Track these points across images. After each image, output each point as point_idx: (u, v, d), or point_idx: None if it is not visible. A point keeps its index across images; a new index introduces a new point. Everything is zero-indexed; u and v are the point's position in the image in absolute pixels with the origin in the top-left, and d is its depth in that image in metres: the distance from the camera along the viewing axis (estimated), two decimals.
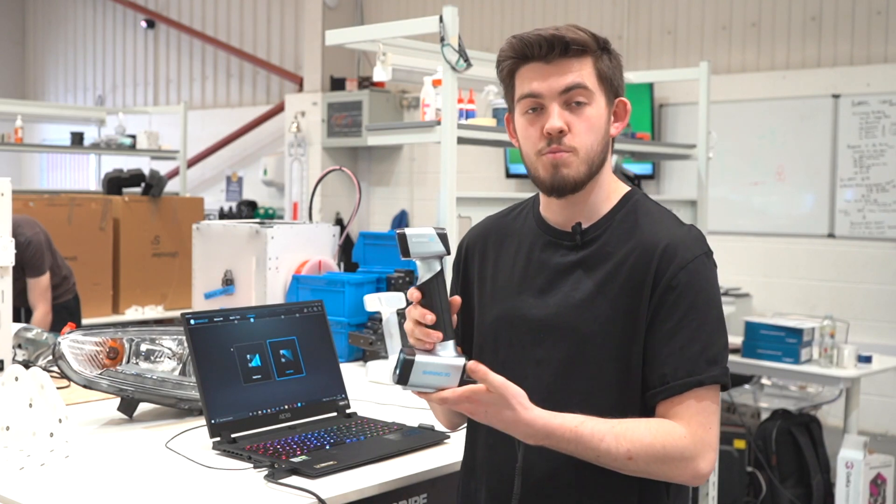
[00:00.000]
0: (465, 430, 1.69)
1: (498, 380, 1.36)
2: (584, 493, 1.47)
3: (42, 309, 4.38)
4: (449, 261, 1.56)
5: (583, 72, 1.48)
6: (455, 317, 1.47)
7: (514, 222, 1.64)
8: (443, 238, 1.45)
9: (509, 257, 1.60)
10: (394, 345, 2.67)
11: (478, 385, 1.37)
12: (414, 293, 1.43)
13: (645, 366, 1.45)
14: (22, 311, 4.52)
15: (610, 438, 1.39)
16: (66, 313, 4.55)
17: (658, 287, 1.45)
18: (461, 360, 1.40)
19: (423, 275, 1.44)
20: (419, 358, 1.39)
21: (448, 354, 1.41)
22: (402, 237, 1.44)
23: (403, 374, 1.38)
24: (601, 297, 1.47)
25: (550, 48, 1.47)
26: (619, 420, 1.41)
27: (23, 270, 4.32)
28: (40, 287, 4.38)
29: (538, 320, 1.51)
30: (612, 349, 1.46)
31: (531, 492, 1.49)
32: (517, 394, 1.37)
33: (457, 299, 1.47)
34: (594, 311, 1.47)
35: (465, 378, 1.39)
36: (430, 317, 1.40)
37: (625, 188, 1.58)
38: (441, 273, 1.45)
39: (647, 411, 1.47)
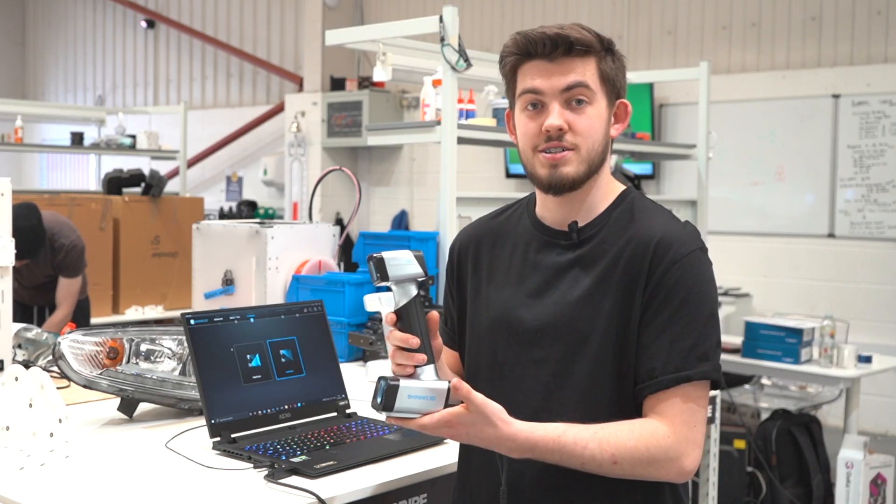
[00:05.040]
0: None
1: (479, 398, 1.34)
2: (589, 493, 1.46)
3: (66, 309, 4.52)
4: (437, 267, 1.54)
5: (585, 71, 1.48)
6: (439, 337, 1.46)
7: (507, 223, 1.63)
8: (420, 260, 1.43)
9: (504, 259, 1.59)
10: None
11: (455, 408, 1.36)
12: (390, 317, 1.41)
13: (635, 360, 1.45)
14: (46, 310, 4.59)
15: (593, 445, 1.38)
16: (79, 313, 4.65)
17: (651, 280, 1.44)
18: (445, 384, 1.37)
19: (399, 299, 1.41)
20: (404, 383, 1.35)
21: (429, 378, 1.39)
22: (381, 261, 1.41)
23: (388, 401, 1.34)
24: (598, 293, 1.47)
25: (554, 46, 1.47)
26: (602, 425, 1.40)
27: (57, 270, 4.51)
28: (73, 288, 4.54)
29: (536, 320, 1.50)
30: (609, 345, 1.45)
31: (542, 495, 1.48)
32: (497, 410, 1.36)
33: (434, 315, 1.44)
34: (592, 307, 1.46)
35: (450, 402, 1.37)
36: (414, 341, 1.39)
37: (621, 187, 1.58)
38: (418, 296, 1.42)
39: (640, 406, 1.46)
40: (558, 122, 1.46)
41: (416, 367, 1.39)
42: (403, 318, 1.41)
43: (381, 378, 1.37)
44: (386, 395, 1.34)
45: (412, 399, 1.35)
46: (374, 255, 1.42)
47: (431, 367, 1.40)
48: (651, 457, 1.39)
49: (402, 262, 1.42)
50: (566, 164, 1.47)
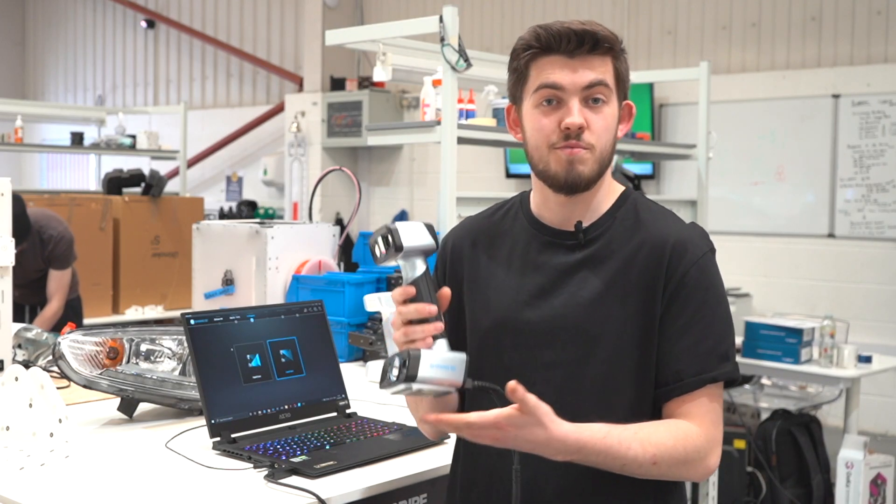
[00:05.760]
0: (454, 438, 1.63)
1: (533, 398, 1.28)
2: (608, 495, 1.45)
3: (57, 303, 4.56)
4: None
5: (605, 70, 1.46)
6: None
7: (502, 222, 1.59)
8: (431, 230, 1.37)
9: (502, 259, 1.55)
10: (394, 345, 2.67)
11: (505, 409, 1.29)
12: (407, 290, 1.36)
13: (657, 362, 1.45)
14: (38, 309, 4.60)
15: (636, 445, 1.36)
16: (71, 311, 4.65)
17: (670, 283, 1.44)
18: (463, 354, 1.34)
19: (409, 273, 1.36)
20: (425, 352, 1.30)
21: (444, 349, 1.34)
22: (394, 232, 1.33)
23: (412, 370, 1.28)
24: (611, 295, 1.45)
25: (580, 43, 1.44)
26: (639, 426, 1.39)
27: (48, 263, 4.55)
28: (63, 280, 4.59)
29: (544, 322, 1.47)
30: (625, 348, 1.44)
31: (560, 498, 1.47)
32: (548, 411, 1.31)
33: (446, 291, 1.40)
34: (604, 310, 1.45)
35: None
36: (431, 308, 1.34)
37: (620, 187, 1.57)
38: (429, 269, 1.37)
39: (658, 409, 1.46)
40: (580, 120, 1.43)
41: (434, 337, 1.34)
42: (419, 289, 1.35)
43: (394, 356, 1.32)
44: (409, 363, 1.28)
45: (434, 368, 1.30)
46: (387, 225, 1.34)
47: (444, 340, 1.35)
48: (686, 457, 1.39)
49: (414, 231, 1.35)
50: (583, 164, 1.45)
